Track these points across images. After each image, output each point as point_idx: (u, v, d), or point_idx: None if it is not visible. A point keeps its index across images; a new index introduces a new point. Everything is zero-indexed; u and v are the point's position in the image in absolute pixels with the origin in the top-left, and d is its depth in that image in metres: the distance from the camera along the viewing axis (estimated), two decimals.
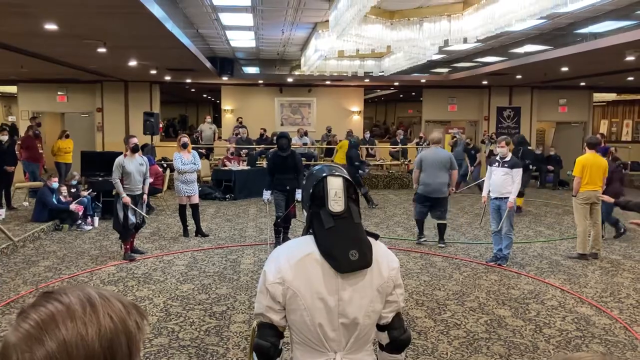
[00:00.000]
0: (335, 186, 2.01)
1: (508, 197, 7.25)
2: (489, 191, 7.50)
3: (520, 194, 11.73)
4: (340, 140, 15.14)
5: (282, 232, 8.15)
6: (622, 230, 9.07)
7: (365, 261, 1.94)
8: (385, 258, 2.03)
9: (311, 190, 2.05)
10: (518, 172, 7.29)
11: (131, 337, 0.88)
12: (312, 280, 1.92)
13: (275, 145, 15.86)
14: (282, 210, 7.96)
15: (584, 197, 7.78)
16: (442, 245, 8.43)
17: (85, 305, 0.86)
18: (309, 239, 2.01)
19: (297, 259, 1.95)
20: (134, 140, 7.63)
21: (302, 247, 1.99)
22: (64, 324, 0.83)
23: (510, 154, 7.45)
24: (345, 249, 1.92)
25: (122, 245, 7.65)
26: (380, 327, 2.08)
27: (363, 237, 1.99)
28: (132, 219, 7.50)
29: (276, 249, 2.11)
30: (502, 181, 7.30)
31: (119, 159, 7.47)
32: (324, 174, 2.05)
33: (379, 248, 2.03)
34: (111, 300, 0.89)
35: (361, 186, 11.91)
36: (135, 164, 7.51)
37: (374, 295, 1.97)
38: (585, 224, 7.79)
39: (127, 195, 7.42)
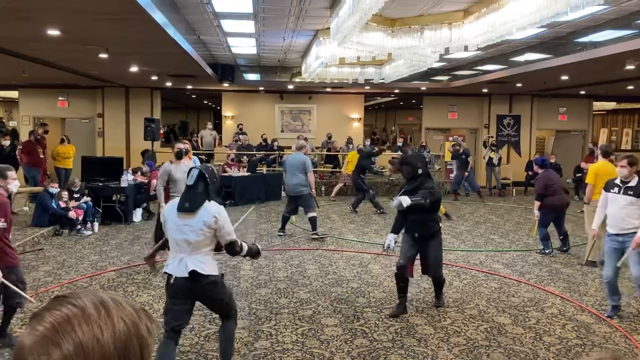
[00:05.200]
0: (193, 173, 3.97)
1: (634, 233, 5.43)
2: (600, 224, 6.07)
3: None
4: (339, 148, 15.05)
5: (406, 292, 5.98)
6: (567, 247, 8.70)
7: (192, 208, 3.84)
8: (208, 210, 3.85)
9: (187, 175, 4.07)
10: None
11: (143, 341, 0.90)
12: (171, 215, 3.91)
13: (275, 152, 16.02)
14: (405, 259, 5.86)
15: (597, 205, 7.74)
16: (315, 237, 9.21)
17: (99, 309, 0.88)
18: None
19: (170, 206, 4.03)
20: (179, 146, 7.33)
21: (174, 200, 4.06)
22: (80, 326, 0.84)
23: (636, 178, 5.63)
24: (184, 202, 3.89)
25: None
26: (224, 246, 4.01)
27: (198, 197, 3.88)
28: None
29: (169, 202, 4.31)
30: (624, 213, 5.61)
31: (165, 165, 7.17)
32: (192, 167, 4.16)
33: (210, 204, 3.88)
34: (123, 305, 0.91)
35: (366, 191, 12.10)
36: (181, 171, 7.01)
37: (199, 226, 3.82)
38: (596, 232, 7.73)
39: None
